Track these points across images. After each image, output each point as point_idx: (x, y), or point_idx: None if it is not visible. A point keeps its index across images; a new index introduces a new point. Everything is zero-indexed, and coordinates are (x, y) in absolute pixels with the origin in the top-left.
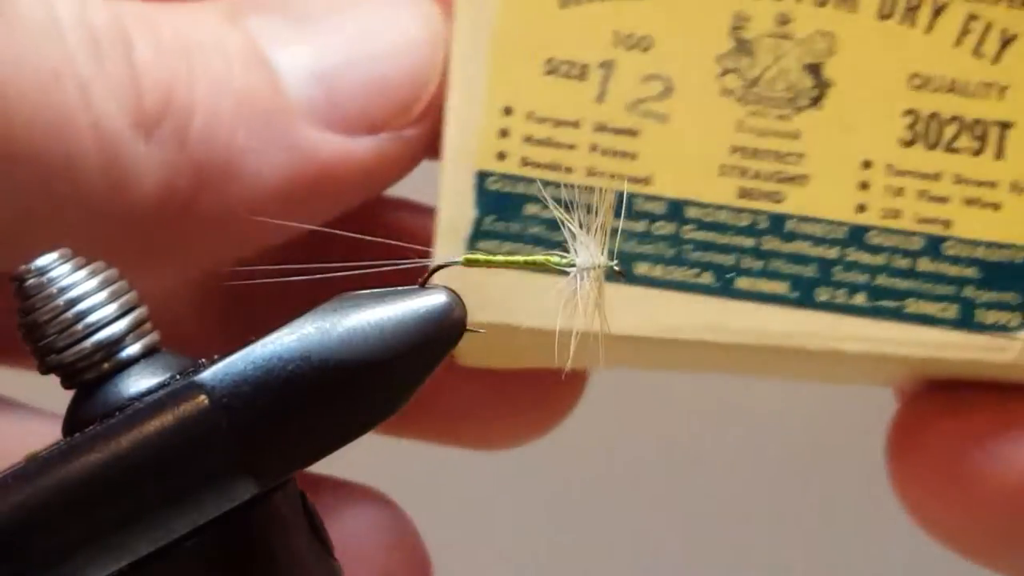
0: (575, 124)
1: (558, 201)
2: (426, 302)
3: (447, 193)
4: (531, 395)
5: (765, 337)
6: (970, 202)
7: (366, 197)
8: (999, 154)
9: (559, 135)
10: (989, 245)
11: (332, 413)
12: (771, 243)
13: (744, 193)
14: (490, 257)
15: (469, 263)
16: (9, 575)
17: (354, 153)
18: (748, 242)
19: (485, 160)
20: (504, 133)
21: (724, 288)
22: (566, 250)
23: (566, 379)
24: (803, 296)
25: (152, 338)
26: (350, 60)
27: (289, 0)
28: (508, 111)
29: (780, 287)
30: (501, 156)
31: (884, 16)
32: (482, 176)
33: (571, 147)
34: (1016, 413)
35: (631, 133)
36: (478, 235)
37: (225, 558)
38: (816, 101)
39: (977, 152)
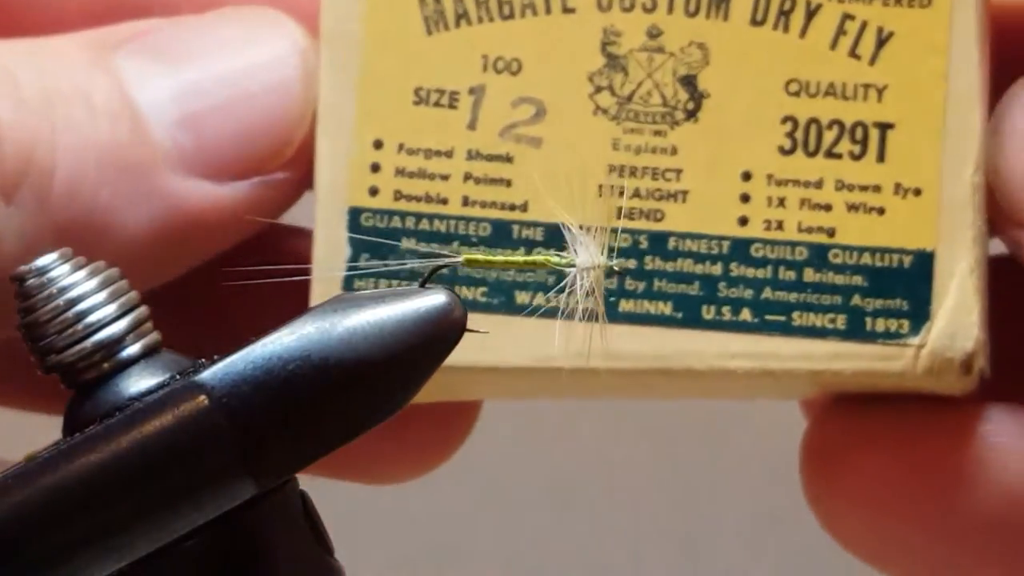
0: (448, 153)
1: (434, 233)
2: (426, 302)
3: (320, 232)
4: (422, 429)
5: (650, 360)
6: (854, 208)
7: (241, 240)
8: (881, 157)
9: (432, 166)
10: (875, 251)
11: (332, 413)
12: (653, 263)
13: (623, 213)
14: (490, 257)
15: (469, 263)
16: (9, 575)
17: (225, 199)
18: (629, 263)
19: (357, 196)
20: (375, 168)
21: (607, 312)
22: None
23: (458, 412)
24: (688, 315)
25: (152, 338)
26: (220, 103)
27: (159, 32)
28: (378, 144)
29: (664, 307)
30: (373, 191)
31: (757, 22)
32: (355, 213)
33: (445, 177)
34: (916, 427)
35: (505, 159)
36: (354, 273)
37: (225, 558)
38: (692, 114)
39: (858, 156)
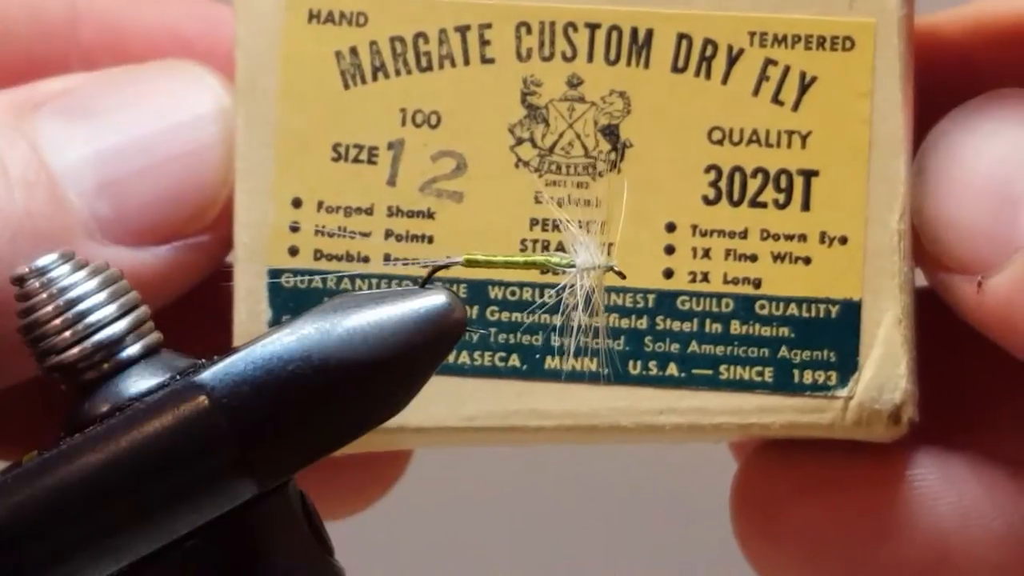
0: (368, 211)
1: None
2: (426, 302)
3: (240, 293)
4: (355, 472)
5: (576, 418)
6: (780, 257)
7: (164, 303)
8: (806, 205)
9: (352, 224)
10: (802, 301)
11: (332, 413)
12: (562, 321)
13: (547, 268)
14: (490, 258)
15: (469, 263)
16: (9, 575)
17: (146, 265)
18: (555, 319)
19: (276, 257)
20: (295, 227)
21: (533, 370)
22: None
23: (390, 457)
24: (614, 371)
25: (152, 338)
26: (139, 168)
27: (78, 91)
28: (297, 203)
29: (590, 364)
30: (293, 251)
31: (679, 69)
32: (274, 274)
33: (366, 235)
34: (844, 472)
35: (426, 215)
36: None
37: (225, 559)
38: (615, 165)
39: (783, 205)
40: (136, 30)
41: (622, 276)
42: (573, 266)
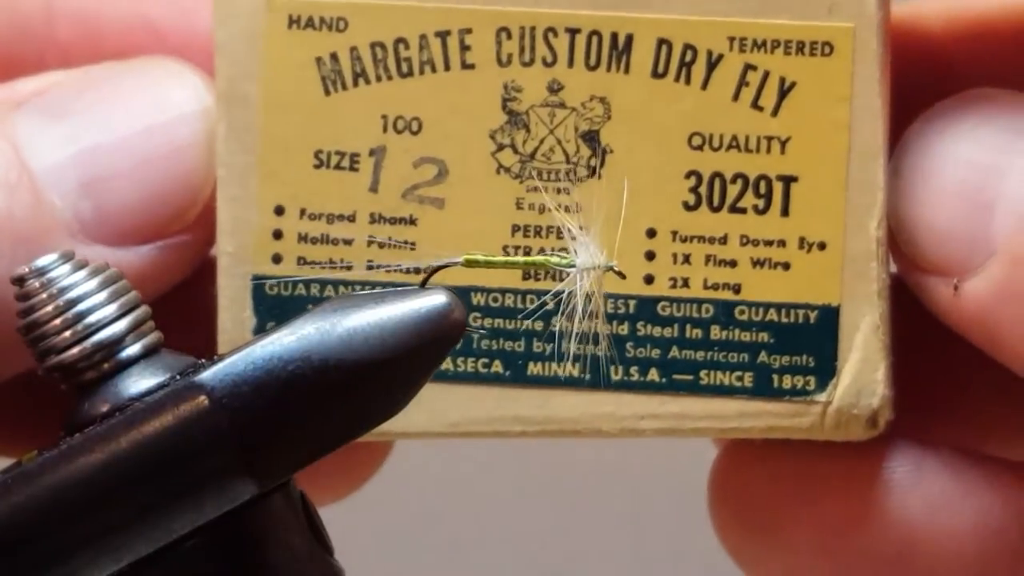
0: (351, 218)
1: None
2: (426, 302)
3: (224, 301)
4: (335, 461)
5: (558, 424)
6: (759, 263)
7: (146, 302)
8: (785, 211)
9: (335, 231)
10: (781, 307)
11: (332, 413)
12: (561, 324)
13: (530, 274)
14: (490, 258)
15: (469, 264)
16: (9, 575)
17: (128, 265)
18: (537, 325)
19: (260, 264)
20: (278, 234)
21: (515, 376)
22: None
23: (370, 446)
24: (596, 377)
25: (152, 338)
26: (121, 168)
27: (58, 89)
28: (280, 210)
29: (573, 370)
30: (276, 259)
31: (659, 75)
32: (258, 281)
33: (348, 242)
34: (818, 464)
35: (408, 222)
36: None
37: (225, 558)
38: (595, 171)
39: (763, 210)
40: (111, 24)
41: (622, 276)
42: (573, 266)
